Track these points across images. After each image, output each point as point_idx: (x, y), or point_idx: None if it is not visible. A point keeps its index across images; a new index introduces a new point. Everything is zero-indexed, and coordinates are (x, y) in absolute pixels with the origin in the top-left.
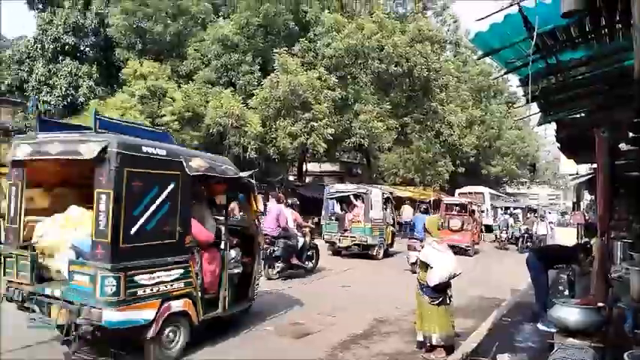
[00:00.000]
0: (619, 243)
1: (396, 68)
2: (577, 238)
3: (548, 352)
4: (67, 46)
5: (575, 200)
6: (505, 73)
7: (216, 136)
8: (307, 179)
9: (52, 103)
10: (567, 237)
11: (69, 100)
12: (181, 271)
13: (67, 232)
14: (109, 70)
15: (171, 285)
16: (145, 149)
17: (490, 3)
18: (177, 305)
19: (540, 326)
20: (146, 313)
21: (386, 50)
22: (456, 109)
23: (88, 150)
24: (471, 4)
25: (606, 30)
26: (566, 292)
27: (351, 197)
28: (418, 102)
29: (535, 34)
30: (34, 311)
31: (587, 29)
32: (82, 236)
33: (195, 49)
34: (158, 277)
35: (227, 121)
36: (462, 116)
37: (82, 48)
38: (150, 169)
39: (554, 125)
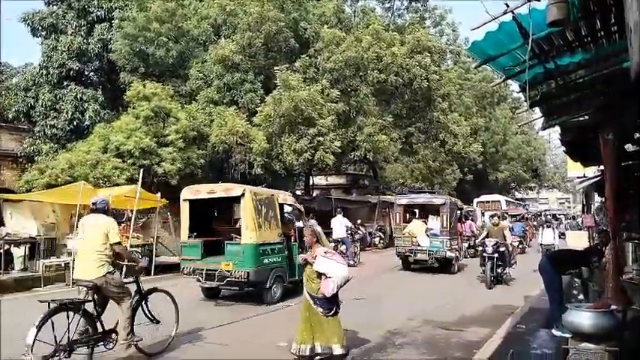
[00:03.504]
0: (631, 244)
1: (395, 78)
2: (588, 241)
3: (563, 357)
4: (71, 72)
5: (584, 203)
6: (504, 80)
7: (221, 153)
8: (314, 192)
9: (59, 127)
10: (579, 241)
11: (75, 123)
12: (455, 243)
13: (419, 228)
14: (113, 94)
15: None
16: (452, 200)
17: (484, 12)
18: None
19: (555, 332)
20: (451, 255)
21: (385, 61)
22: (459, 118)
23: (439, 201)
24: (468, 13)
25: (602, 33)
26: (581, 297)
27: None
28: (420, 112)
29: (530, 40)
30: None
31: (583, 33)
32: (434, 230)
33: (197, 70)
34: (453, 243)
35: (232, 139)
36: (465, 125)
37: (86, 73)
38: (453, 206)
39: (558, 129)
